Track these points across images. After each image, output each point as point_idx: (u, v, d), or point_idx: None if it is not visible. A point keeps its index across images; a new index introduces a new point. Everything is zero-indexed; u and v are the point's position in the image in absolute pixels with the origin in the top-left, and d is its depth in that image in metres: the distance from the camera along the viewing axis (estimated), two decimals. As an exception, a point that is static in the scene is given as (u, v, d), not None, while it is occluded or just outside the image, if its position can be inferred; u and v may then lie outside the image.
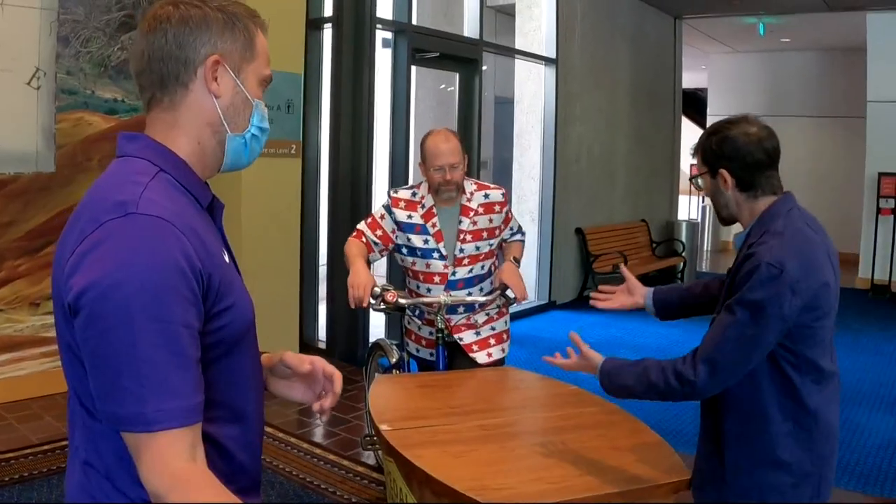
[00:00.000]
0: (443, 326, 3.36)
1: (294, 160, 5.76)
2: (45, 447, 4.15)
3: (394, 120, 6.39)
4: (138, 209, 1.18)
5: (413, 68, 6.55)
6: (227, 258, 1.35)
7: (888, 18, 9.93)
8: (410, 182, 6.21)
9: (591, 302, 2.62)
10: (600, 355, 2.24)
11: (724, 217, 2.22)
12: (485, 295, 3.44)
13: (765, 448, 2.05)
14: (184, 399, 1.16)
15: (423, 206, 3.42)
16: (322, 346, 6.34)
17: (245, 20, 1.36)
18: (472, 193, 3.44)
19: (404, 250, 3.47)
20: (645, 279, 9.70)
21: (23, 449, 4.13)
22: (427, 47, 6.63)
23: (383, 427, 2.51)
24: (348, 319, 5.97)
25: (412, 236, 3.42)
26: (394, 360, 3.74)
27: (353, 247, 3.41)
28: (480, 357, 3.44)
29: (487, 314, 3.54)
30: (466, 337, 3.47)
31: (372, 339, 5.47)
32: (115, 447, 1.21)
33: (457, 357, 3.48)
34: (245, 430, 1.38)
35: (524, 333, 7.36)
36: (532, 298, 8.63)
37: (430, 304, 3.38)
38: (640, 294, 2.56)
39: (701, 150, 2.18)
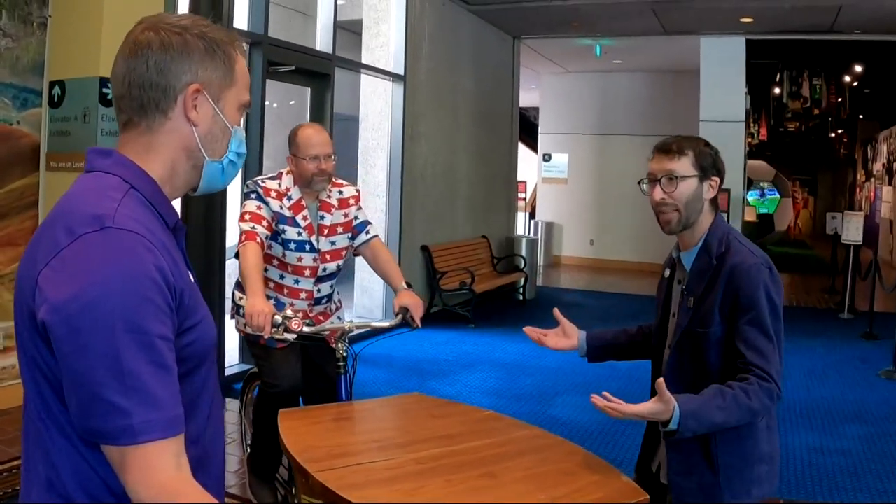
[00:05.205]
0: (344, 354, 3.18)
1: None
2: None
3: (247, 138, 6.06)
4: (115, 223, 1.19)
5: (267, 82, 6.27)
6: (192, 278, 1.37)
7: (721, 43, 10.72)
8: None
9: (531, 337, 2.61)
10: (672, 398, 2.03)
11: (685, 225, 2.29)
12: (387, 320, 3.31)
13: (753, 445, 2.22)
14: (168, 410, 1.17)
15: (289, 198, 3.40)
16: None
17: (225, 46, 1.37)
18: (329, 190, 3.51)
19: (278, 239, 3.40)
20: (488, 295, 9.99)
21: None
22: (282, 60, 6.38)
23: (313, 468, 2.30)
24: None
25: (287, 227, 3.39)
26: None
27: (252, 256, 3.17)
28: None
29: (338, 304, 3.65)
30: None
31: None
32: (72, 462, 1.21)
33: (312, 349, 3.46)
34: (204, 454, 1.37)
35: (377, 353, 7.19)
36: (380, 317, 8.53)
37: (333, 332, 3.20)
38: (576, 336, 2.61)
39: (696, 154, 2.25)
